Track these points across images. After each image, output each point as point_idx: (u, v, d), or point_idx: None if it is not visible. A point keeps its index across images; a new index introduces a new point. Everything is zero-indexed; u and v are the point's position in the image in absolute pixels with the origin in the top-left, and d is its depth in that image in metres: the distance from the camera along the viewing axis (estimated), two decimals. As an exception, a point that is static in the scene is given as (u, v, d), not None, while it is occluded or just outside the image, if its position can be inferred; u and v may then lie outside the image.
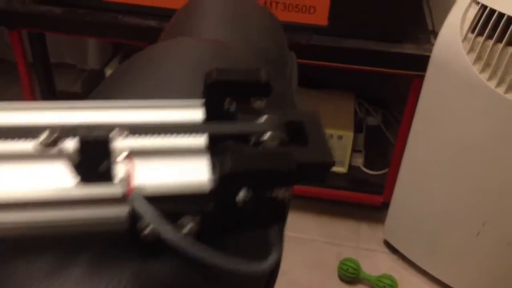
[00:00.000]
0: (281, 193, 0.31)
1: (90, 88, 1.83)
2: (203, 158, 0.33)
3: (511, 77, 1.11)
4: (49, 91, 1.70)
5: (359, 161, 1.68)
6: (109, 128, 0.30)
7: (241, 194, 0.30)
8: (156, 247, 0.29)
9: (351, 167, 1.66)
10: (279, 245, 0.33)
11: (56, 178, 0.30)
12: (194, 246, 0.28)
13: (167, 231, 0.28)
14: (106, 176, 0.29)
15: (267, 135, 0.33)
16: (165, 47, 0.48)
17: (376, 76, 1.48)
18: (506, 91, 1.12)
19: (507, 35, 1.09)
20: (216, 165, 0.31)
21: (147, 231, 0.29)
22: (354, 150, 1.66)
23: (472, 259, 1.37)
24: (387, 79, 1.80)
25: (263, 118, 0.35)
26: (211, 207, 0.30)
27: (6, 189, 0.30)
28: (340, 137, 1.59)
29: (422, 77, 1.28)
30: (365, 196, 1.61)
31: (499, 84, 1.13)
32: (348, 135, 1.59)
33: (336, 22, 1.32)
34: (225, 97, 0.36)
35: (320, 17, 1.32)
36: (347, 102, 1.73)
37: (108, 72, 1.73)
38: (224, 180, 0.29)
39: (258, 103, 0.37)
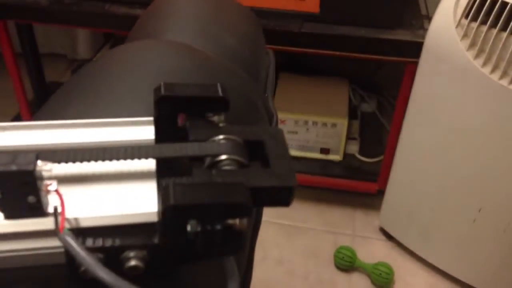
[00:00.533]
0: (236, 222, 0.29)
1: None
2: (152, 184, 0.30)
3: (506, 63, 1.08)
4: (39, 82, 1.67)
5: (354, 148, 1.66)
6: (33, 156, 0.27)
7: (190, 226, 0.28)
8: (97, 283, 0.27)
9: (346, 155, 1.64)
10: (235, 278, 0.31)
11: None
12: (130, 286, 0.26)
13: (99, 271, 0.26)
14: (34, 210, 0.27)
15: (223, 158, 0.31)
16: (124, 52, 0.45)
17: (370, 62, 1.46)
18: (501, 77, 1.10)
19: (501, 20, 1.07)
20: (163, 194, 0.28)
21: (84, 267, 0.27)
22: (349, 138, 1.64)
23: (469, 245, 1.36)
24: (381, 64, 1.77)
25: (220, 138, 0.32)
26: (157, 240, 0.28)
27: None
28: (334, 125, 1.57)
29: (415, 64, 1.26)
30: (360, 184, 1.59)
31: (493, 70, 1.11)
32: (343, 123, 1.57)
33: (328, 9, 1.29)
34: (177, 113, 0.33)
35: (312, 5, 1.30)
36: (341, 88, 1.71)
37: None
38: (169, 212, 0.27)
39: (215, 118, 0.35)
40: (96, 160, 0.29)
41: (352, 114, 1.71)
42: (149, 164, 0.32)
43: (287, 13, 1.31)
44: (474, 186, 1.27)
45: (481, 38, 1.10)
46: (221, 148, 0.32)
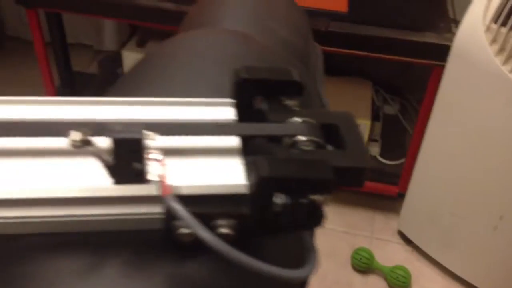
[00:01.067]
0: (318, 198, 0.30)
1: (107, 70, 1.82)
2: (237, 159, 0.32)
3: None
4: (66, 72, 1.69)
5: (375, 150, 1.65)
6: (141, 126, 0.29)
7: (279, 198, 0.29)
8: (192, 247, 0.28)
9: (367, 156, 1.64)
10: (314, 252, 0.32)
11: (90, 177, 0.30)
12: (231, 249, 0.27)
13: (204, 232, 0.27)
14: (139, 176, 0.29)
15: (302, 139, 0.32)
16: (192, 39, 0.46)
17: (394, 64, 1.46)
18: (529, 84, 1.10)
19: (531, 26, 1.07)
20: (251, 168, 0.30)
21: (182, 230, 0.28)
22: (371, 139, 1.65)
23: (488, 253, 1.35)
24: (405, 67, 1.77)
25: (297, 120, 0.34)
26: (248, 210, 0.29)
27: (40, 185, 0.29)
28: (356, 126, 1.57)
29: (442, 67, 1.26)
30: (380, 186, 1.59)
31: (522, 76, 1.11)
32: (365, 124, 1.57)
33: (357, 9, 1.30)
34: (254, 96, 0.35)
35: (341, 3, 1.30)
36: (364, 90, 1.71)
37: (125, 53, 1.72)
38: (261, 183, 0.28)
39: (289, 102, 0.36)
40: (193, 134, 0.32)
41: (375, 115, 1.71)
42: (231, 141, 0.33)
43: (314, 11, 1.31)
44: (496, 193, 1.26)
45: (510, 44, 1.10)
46: (301, 129, 0.33)
